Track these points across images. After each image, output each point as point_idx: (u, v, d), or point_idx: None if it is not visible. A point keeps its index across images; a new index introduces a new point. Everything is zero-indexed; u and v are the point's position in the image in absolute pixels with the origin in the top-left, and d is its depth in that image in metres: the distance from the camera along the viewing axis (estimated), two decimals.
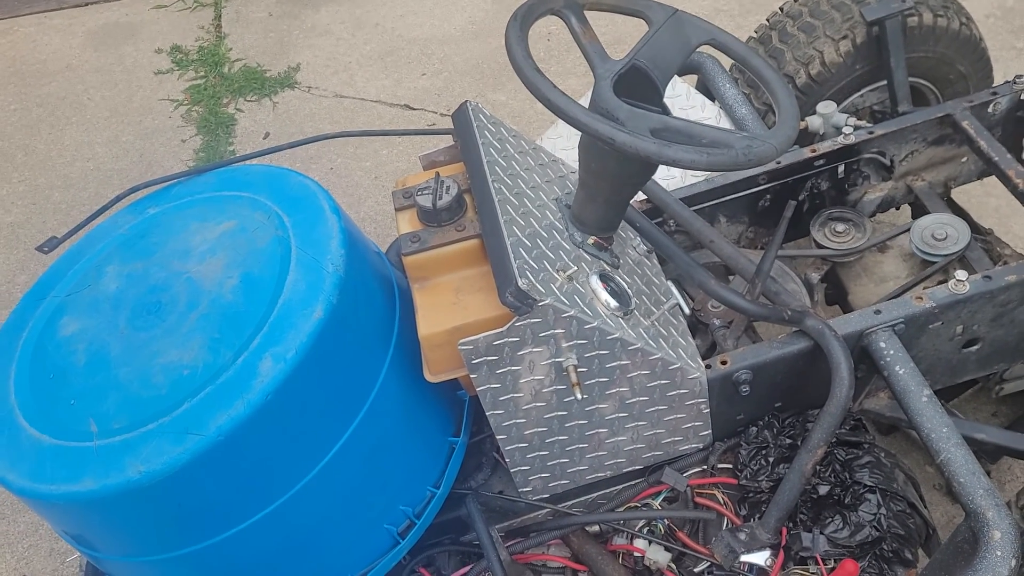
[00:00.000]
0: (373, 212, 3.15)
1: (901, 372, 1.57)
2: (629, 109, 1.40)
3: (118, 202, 1.90)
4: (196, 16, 4.24)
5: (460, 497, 1.77)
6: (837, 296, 2.12)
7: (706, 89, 2.34)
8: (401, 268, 2.44)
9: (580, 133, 1.48)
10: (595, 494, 1.82)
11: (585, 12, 1.57)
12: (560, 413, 1.60)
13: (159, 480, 1.35)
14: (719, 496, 1.71)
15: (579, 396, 1.47)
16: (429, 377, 1.54)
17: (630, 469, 1.76)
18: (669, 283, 1.62)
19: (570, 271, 1.48)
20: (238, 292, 1.54)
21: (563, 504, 1.80)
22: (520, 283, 1.38)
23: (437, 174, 1.57)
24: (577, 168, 1.95)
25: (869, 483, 1.62)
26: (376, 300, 1.63)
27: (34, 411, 1.51)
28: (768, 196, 2.07)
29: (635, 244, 1.81)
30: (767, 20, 2.45)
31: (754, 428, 1.75)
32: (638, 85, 1.53)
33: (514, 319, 1.42)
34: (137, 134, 3.64)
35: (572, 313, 1.44)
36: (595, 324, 1.47)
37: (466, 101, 1.73)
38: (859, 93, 2.32)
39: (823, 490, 1.64)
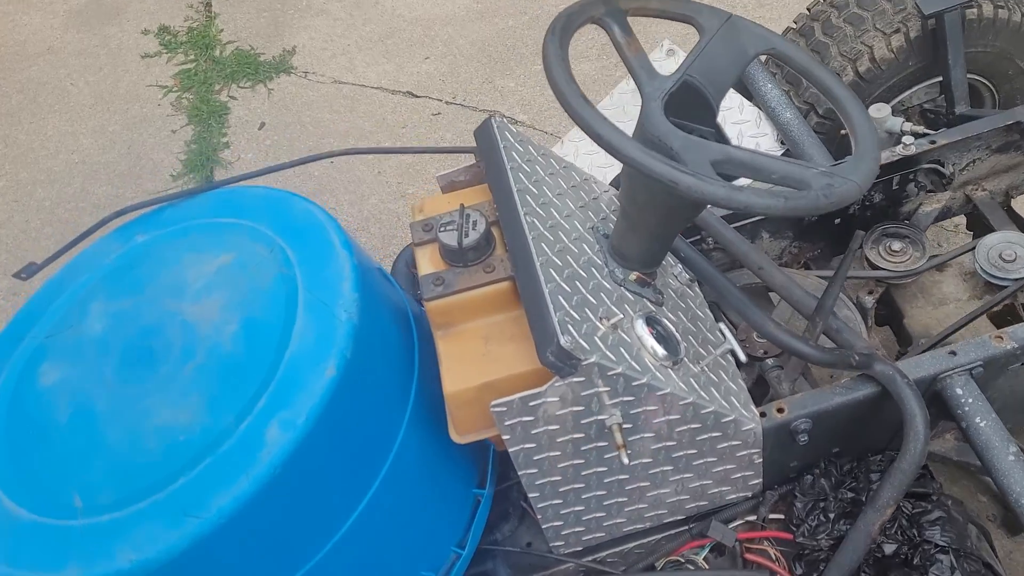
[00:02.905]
0: (377, 210, 2.96)
1: (983, 425, 1.41)
2: (684, 138, 1.22)
3: (103, 226, 1.71)
4: None
5: (486, 552, 1.62)
6: (889, 316, 1.95)
7: (743, 87, 2.15)
8: (413, 289, 2.27)
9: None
10: (631, 544, 1.67)
11: (629, 19, 1.38)
12: (599, 469, 1.44)
13: (153, 570, 1.19)
14: (771, 552, 1.56)
15: (625, 461, 1.31)
16: (456, 438, 1.37)
17: (672, 520, 1.61)
18: (721, 325, 1.45)
19: (615, 319, 1.31)
20: (239, 341, 1.37)
21: (597, 555, 1.65)
22: (562, 341, 1.20)
23: (462, 206, 1.39)
24: (608, 184, 1.78)
25: (941, 543, 1.46)
26: (393, 346, 1.45)
27: (11, 477, 1.34)
28: None
29: (676, 272, 1.64)
30: (807, 9, 2.25)
31: (809, 476, 1.59)
32: (688, 102, 1.35)
33: (554, 379, 1.25)
34: (124, 124, 3.43)
35: (620, 370, 1.27)
36: (644, 380, 1.30)
37: (490, 117, 1.55)
38: (910, 91, 2.13)
39: (889, 549, 1.49)
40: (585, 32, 3.53)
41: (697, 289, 1.66)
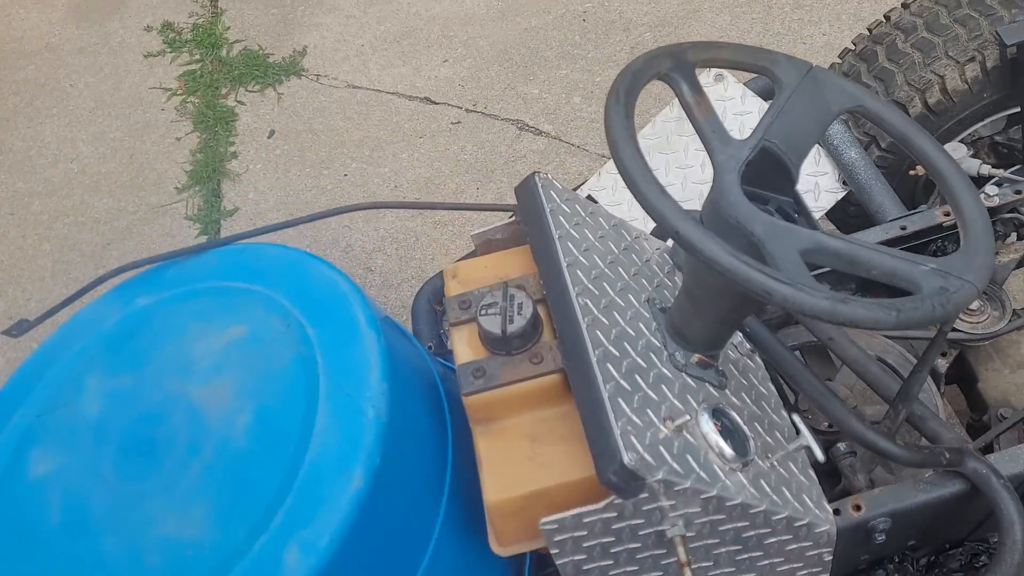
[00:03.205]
0: (393, 229, 2.79)
1: None
2: (769, 223, 1.05)
3: (102, 283, 1.56)
4: None
5: None
6: (958, 375, 1.79)
7: None
8: (436, 329, 2.11)
9: None
10: None
11: (698, 72, 1.21)
12: (655, 575, 1.29)
13: None
14: None
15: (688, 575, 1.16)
16: (498, 550, 1.21)
17: None
18: (795, 419, 1.29)
19: (680, 421, 1.14)
20: (252, 436, 1.21)
21: None
22: (626, 459, 1.04)
23: (505, 286, 1.22)
24: (652, 237, 1.62)
25: None
26: (425, 442, 1.30)
27: None
28: None
29: (735, 341, 1.48)
30: (868, 30, 2.06)
31: (882, 572, 1.44)
32: (763, 168, 1.18)
33: (613, 496, 1.09)
34: (126, 130, 3.25)
35: (688, 484, 1.11)
36: (714, 492, 1.14)
37: (534, 174, 1.37)
38: (981, 123, 1.95)
39: None
40: (612, 32, 3.35)
41: (758, 359, 1.50)
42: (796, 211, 1.23)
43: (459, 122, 3.11)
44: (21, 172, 3.16)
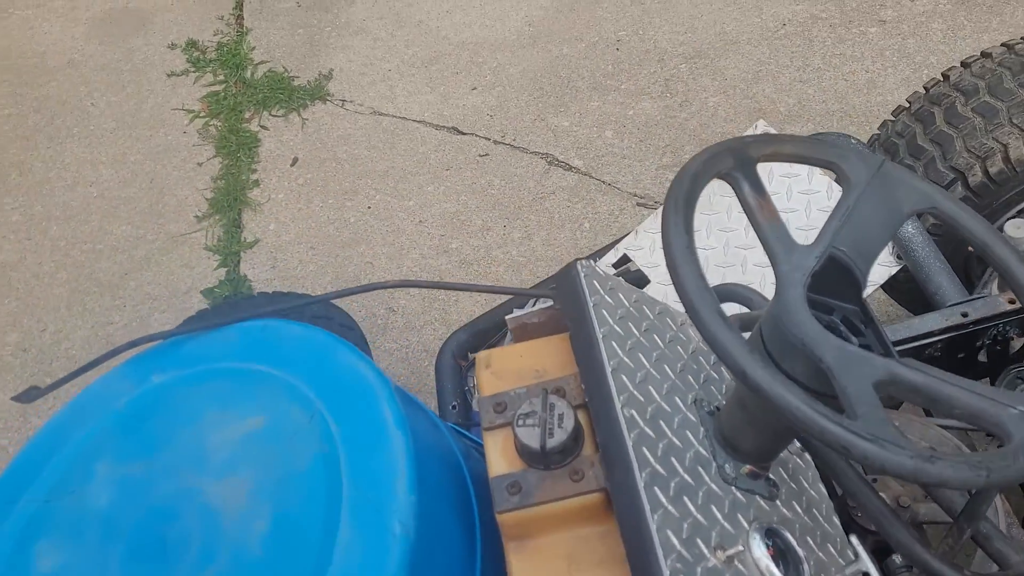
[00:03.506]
0: (417, 267, 2.71)
1: None
2: (838, 348, 0.95)
3: (116, 355, 1.48)
4: (215, 4, 3.73)
5: None
6: None
7: None
8: (461, 385, 2.02)
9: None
10: None
11: (759, 169, 1.12)
12: None
13: None
14: None
15: None
16: None
17: None
18: (853, 540, 1.19)
19: (732, 551, 1.06)
20: (270, 547, 1.13)
21: None
22: None
23: (545, 393, 1.13)
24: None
25: None
26: (454, 552, 1.21)
27: None
28: (939, 345, 1.62)
29: None
30: (925, 88, 1.96)
31: None
32: (829, 275, 1.08)
33: None
34: (147, 153, 3.19)
35: None
36: None
37: (575, 263, 1.29)
38: None
39: None
40: (646, 62, 3.25)
41: (808, 457, 1.41)
42: (863, 321, 1.14)
43: (487, 154, 3.02)
44: (40, 195, 3.10)
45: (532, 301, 1.72)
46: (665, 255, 0.96)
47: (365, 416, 1.21)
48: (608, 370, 1.15)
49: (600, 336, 1.19)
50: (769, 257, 1.06)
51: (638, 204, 2.81)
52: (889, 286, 2.00)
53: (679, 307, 1.53)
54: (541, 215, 2.80)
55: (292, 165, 3.07)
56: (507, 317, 1.35)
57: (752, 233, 1.87)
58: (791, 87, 3.09)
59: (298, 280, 2.72)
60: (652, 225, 1.95)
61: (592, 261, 1.30)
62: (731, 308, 1.87)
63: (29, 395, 1.52)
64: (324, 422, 1.22)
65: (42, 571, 1.22)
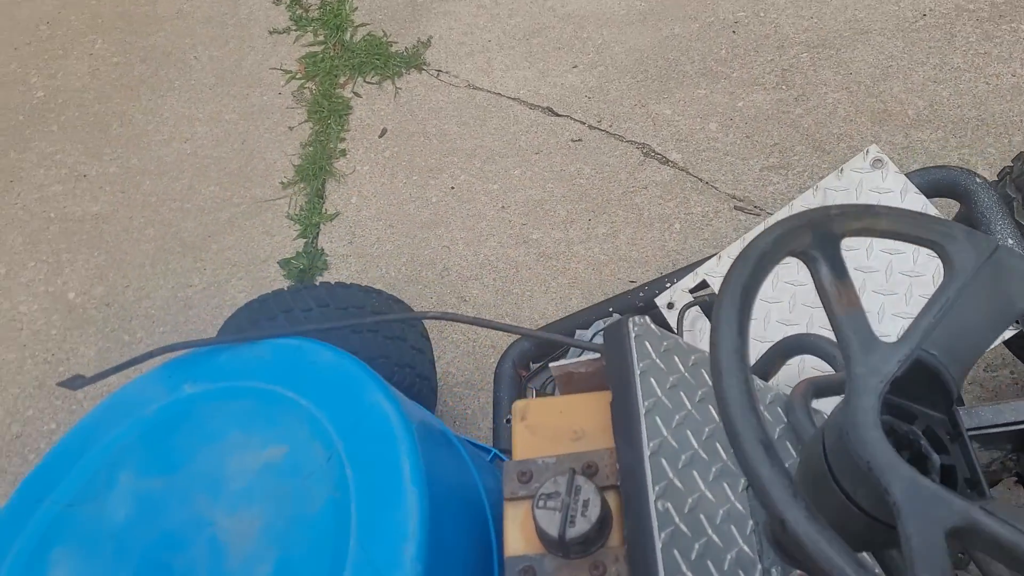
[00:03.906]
0: (494, 256, 2.61)
1: None
2: (910, 480, 0.80)
3: (152, 358, 1.45)
4: None
5: None
6: None
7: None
8: (516, 396, 1.92)
9: None
10: None
11: (843, 249, 0.96)
12: None
13: None
14: None
15: None
16: None
17: None
18: None
19: None
20: None
21: None
22: None
23: (572, 475, 1.02)
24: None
25: None
26: None
27: None
28: None
29: None
30: None
31: None
32: (913, 379, 0.92)
33: None
34: (242, 112, 3.18)
35: None
36: None
37: (627, 320, 1.15)
38: None
39: None
40: (763, 47, 3.01)
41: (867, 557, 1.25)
42: (951, 435, 0.98)
43: (580, 140, 2.87)
44: (137, 147, 3.15)
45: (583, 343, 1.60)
46: (711, 353, 0.82)
47: (383, 465, 1.13)
48: (646, 454, 1.03)
49: (643, 412, 1.07)
50: (842, 353, 0.90)
51: (736, 207, 2.62)
52: (1012, 342, 1.78)
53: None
54: (629, 211, 2.65)
55: (380, 136, 3.00)
56: (552, 365, 1.23)
57: (799, 309, 1.69)
58: (923, 87, 2.80)
59: (373, 259, 2.66)
60: (735, 252, 1.78)
61: (647, 319, 1.16)
62: (793, 374, 1.68)
63: (74, 383, 1.51)
64: (341, 465, 1.15)
65: None
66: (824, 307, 0.93)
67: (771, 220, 1.78)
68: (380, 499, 1.10)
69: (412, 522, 1.07)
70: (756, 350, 1.64)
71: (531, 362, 2.02)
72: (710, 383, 1.21)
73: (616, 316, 1.82)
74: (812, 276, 0.94)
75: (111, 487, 1.27)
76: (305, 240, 2.74)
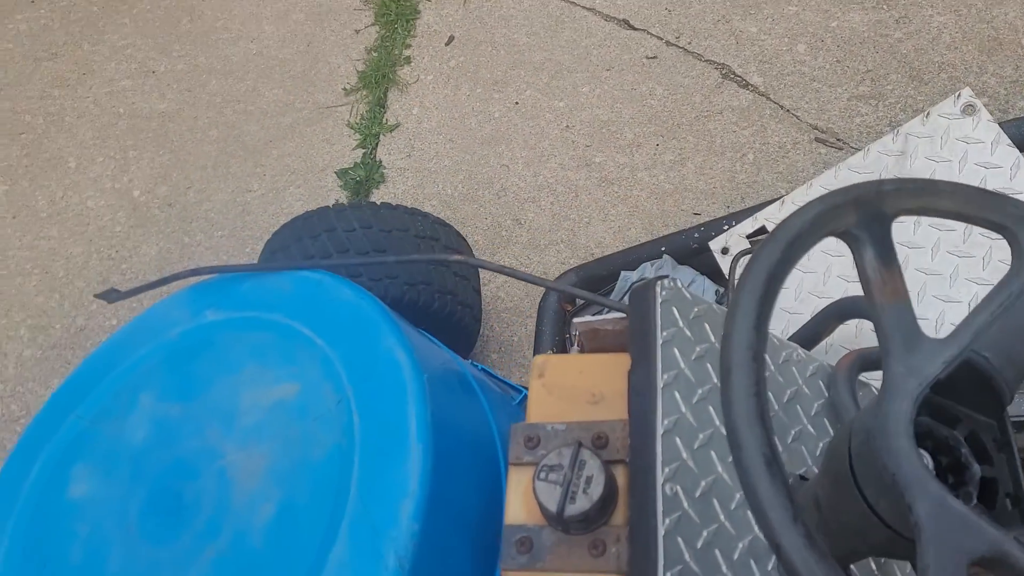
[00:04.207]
0: (554, 178, 2.51)
1: None
2: (938, 499, 0.71)
3: (181, 279, 1.44)
4: None
5: None
6: None
7: None
8: (561, 332, 1.87)
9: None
10: None
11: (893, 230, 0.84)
12: None
13: None
14: None
15: None
16: None
17: None
18: None
19: None
20: (269, 540, 1.07)
21: None
22: None
23: (577, 448, 0.96)
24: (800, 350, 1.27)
25: None
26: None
27: None
28: None
29: None
30: None
31: None
32: (960, 379, 0.82)
33: None
34: (309, 13, 3.10)
35: None
36: None
37: (656, 282, 1.07)
38: None
39: None
40: None
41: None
42: (996, 442, 0.88)
43: (655, 57, 2.70)
44: (205, 45, 3.11)
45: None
46: (722, 346, 0.74)
47: (390, 416, 1.09)
48: (659, 432, 0.96)
49: (660, 385, 0.99)
50: (881, 347, 0.81)
51: (816, 139, 2.44)
52: None
53: (792, 330, 1.28)
54: (701, 137, 2.49)
55: (447, 44, 2.88)
56: (576, 320, 1.16)
57: (833, 280, 1.54)
58: None
59: (430, 175, 2.60)
60: (802, 197, 1.65)
61: (679, 282, 1.07)
62: (850, 336, 1.56)
63: (110, 296, 1.52)
64: (349, 411, 1.12)
65: (73, 498, 1.23)
66: (864, 294, 0.83)
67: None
68: (384, 452, 1.07)
69: (414, 479, 1.03)
70: (784, 322, 1.53)
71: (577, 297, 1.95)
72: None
73: (666, 259, 1.72)
74: (854, 258, 0.84)
75: (132, 408, 1.28)
76: (364, 151, 2.68)
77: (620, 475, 1.00)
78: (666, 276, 1.08)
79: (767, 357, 1.14)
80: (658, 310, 1.04)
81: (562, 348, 1.91)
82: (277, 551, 1.05)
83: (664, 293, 1.06)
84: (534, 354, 1.90)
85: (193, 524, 1.12)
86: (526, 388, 1.72)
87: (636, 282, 1.61)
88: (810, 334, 1.50)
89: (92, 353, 1.39)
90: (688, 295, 1.09)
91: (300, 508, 1.07)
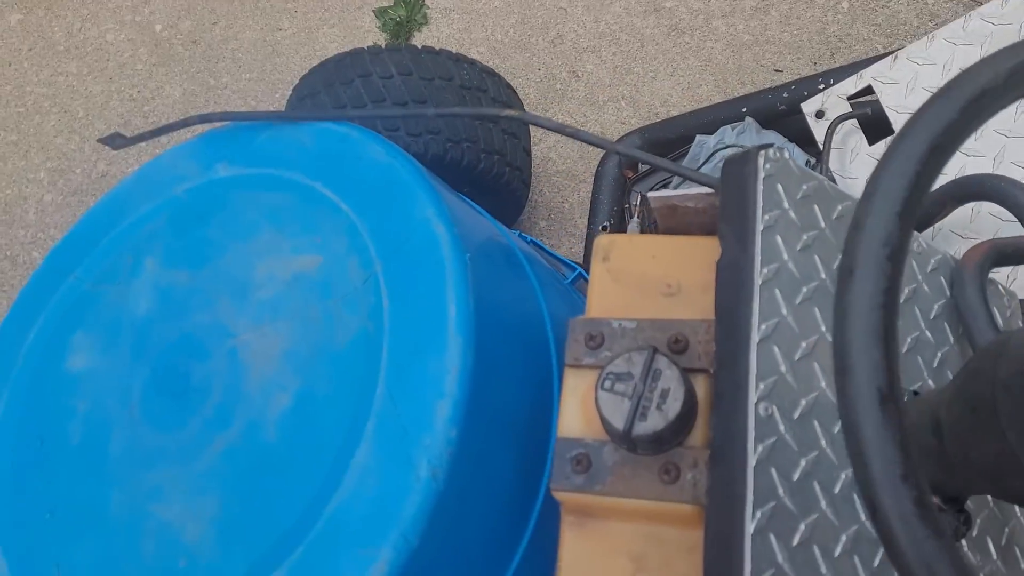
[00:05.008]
0: (618, 25, 2.22)
1: None
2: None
3: (188, 127, 1.25)
4: None
5: None
6: None
7: None
8: (618, 204, 1.68)
9: None
10: None
11: None
12: None
13: None
14: None
15: None
16: None
17: None
18: None
19: None
20: (283, 436, 0.93)
21: None
22: None
23: (652, 352, 0.78)
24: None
25: None
26: (500, 503, 0.96)
27: (1, 508, 1.06)
28: None
29: None
30: None
31: None
32: None
33: None
34: None
35: None
36: None
37: (757, 151, 0.85)
38: None
39: None
40: None
41: None
42: None
43: None
44: None
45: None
46: (849, 233, 0.54)
47: (425, 301, 0.92)
48: (754, 339, 0.78)
49: (758, 282, 0.80)
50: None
51: None
52: None
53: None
54: None
55: None
56: (651, 194, 0.96)
57: None
58: None
59: (478, 16, 2.33)
60: (921, 53, 1.39)
61: (786, 153, 0.86)
62: (964, 221, 1.33)
63: (114, 141, 1.35)
64: (377, 291, 0.95)
65: (73, 371, 1.10)
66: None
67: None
68: (417, 343, 0.90)
69: (451, 378, 0.87)
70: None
71: (639, 162, 1.73)
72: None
73: (749, 121, 1.48)
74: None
75: (136, 273, 1.13)
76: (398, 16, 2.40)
77: (700, 386, 0.83)
78: (770, 145, 0.86)
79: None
80: (759, 187, 0.84)
81: (620, 219, 1.71)
82: (293, 448, 0.91)
83: (768, 166, 0.85)
84: (588, 225, 1.71)
85: (201, 410, 0.98)
86: (578, 263, 1.54)
87: (719, 148, 1.38)
88: (919, 216, 1.28)
89: (92, 208, 1.23)
90: (796, 169, 0.87)
91: (319, 401, 0.93)
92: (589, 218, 1.70)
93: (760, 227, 0.82)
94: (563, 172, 2.11)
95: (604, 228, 1.67)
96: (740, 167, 0.85)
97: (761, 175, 0.84)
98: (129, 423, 1.02)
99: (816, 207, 0.88)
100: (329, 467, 0.88)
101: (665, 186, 1.54)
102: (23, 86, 2.57)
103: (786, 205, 0.85)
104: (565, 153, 2.13)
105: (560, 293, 1.20)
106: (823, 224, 0.88)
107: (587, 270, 1.45)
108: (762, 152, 0.85)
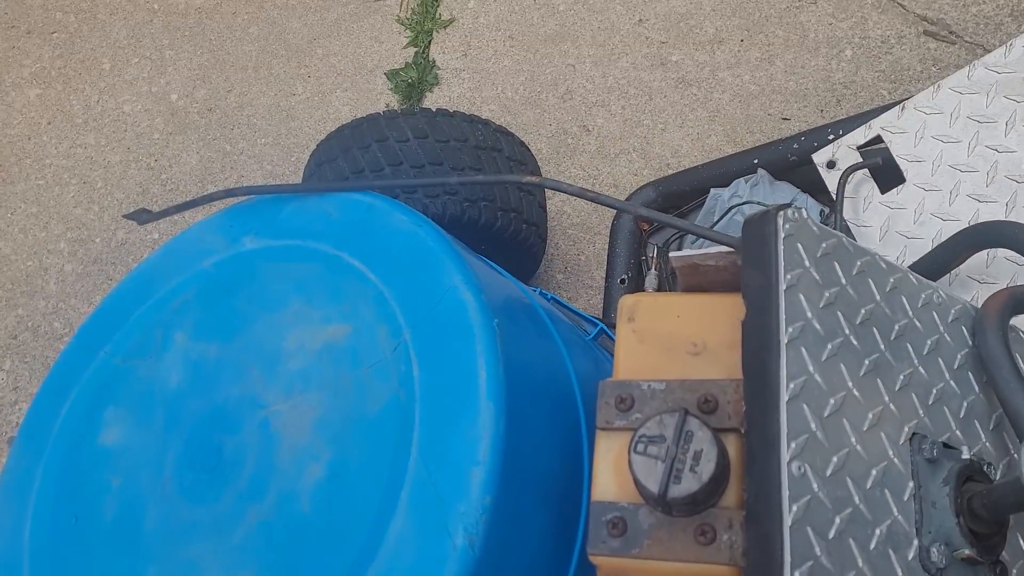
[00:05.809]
0: (625, 79, 2.27)
1: None
2: None
3: (213, 201, 1.28)
4: None
5: None
6: None
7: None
8: (635, 256, 1.69)
9: None
10: None
11: None
12: None
13: None
14: None
15: None
16: None
17: None
18: None
19: None
20: (318, 506, 0.94)
21: None
22: None
23: (683, 414, 0.79)
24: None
25: None
26: (544, 548, 0.96)
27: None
28: None
29: None
30: None
31: None
32: None
33: None
34: None
35: None
36: None
37: (776, 212, 0.87)
38: None
39: None
40: None
41: None
42: None
43: None
44: None
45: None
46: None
47: (456, 368, 0.94)
48: (783, 399, 0.79)
49: (784, 341, 0.81)
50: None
51: (925, 33, 2.15)
52: None
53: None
54: (791, 31, 2.22)
55: None
56: (672, 254, 0.98)
57: None
58: None
59: (488, 76, 2.38)
60: (928, 103, 1.41)
61: (804, 212, 0.88)
62: (980, 267, 1.33)
63: (140, 216, 1.38)
64: (408, 359, 0.97)
65: (105, 444, 1.11)
66: None
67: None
68: (449, 409, 0.91)
69: (484, 444, 0.88)
70: (901, 248, 1.32)
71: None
72: (879, 297, 0.93)
73: (762, 174, 1.51)
74: None
75: (166, 347, 1.15)
76: (416, 49, 2.46)
77: (731, 446, 0.83)
78: (789, 205, 0.88)
79: (903, 300, 0.94)
80: (780, 248, 0.85)
81: (637, 272, 1.73)
82: (328, 519, 0.92)
83: (788, 226, 0.86)
84: (606, 278, 1.72)
85: (235, 483, 0.99)
86: (599, 318, 1.55)
87: (734, 202, 1.40)
88: (935, 264, 1.29)
89: (120, 282, 1.26)
90: (815, 228, 0.89)
91: (353, 471, 0.94)
92: (607, 272, 1.72)
93: (783, 286, 0.83)
94: (578, 225, 2.14)
95: (622, 281, 1.69)
96: (760, 227, 0.87)
97: (781, 235, 0.86)
98: (163, 498, 1.03)
99: (836, 264, 0.89)
100: (365, 537, 0.89)
101: (681, 239, 1.56)
102: (43, 159, 2.63)
103: (807, 264, 0.86)
104: (579, 206, 2.16)
105: (584, 350, 1.21)
106: (844, 281, 0.89)
107: (607, 324, 1.47)
108: (781, 212, 0.87)
